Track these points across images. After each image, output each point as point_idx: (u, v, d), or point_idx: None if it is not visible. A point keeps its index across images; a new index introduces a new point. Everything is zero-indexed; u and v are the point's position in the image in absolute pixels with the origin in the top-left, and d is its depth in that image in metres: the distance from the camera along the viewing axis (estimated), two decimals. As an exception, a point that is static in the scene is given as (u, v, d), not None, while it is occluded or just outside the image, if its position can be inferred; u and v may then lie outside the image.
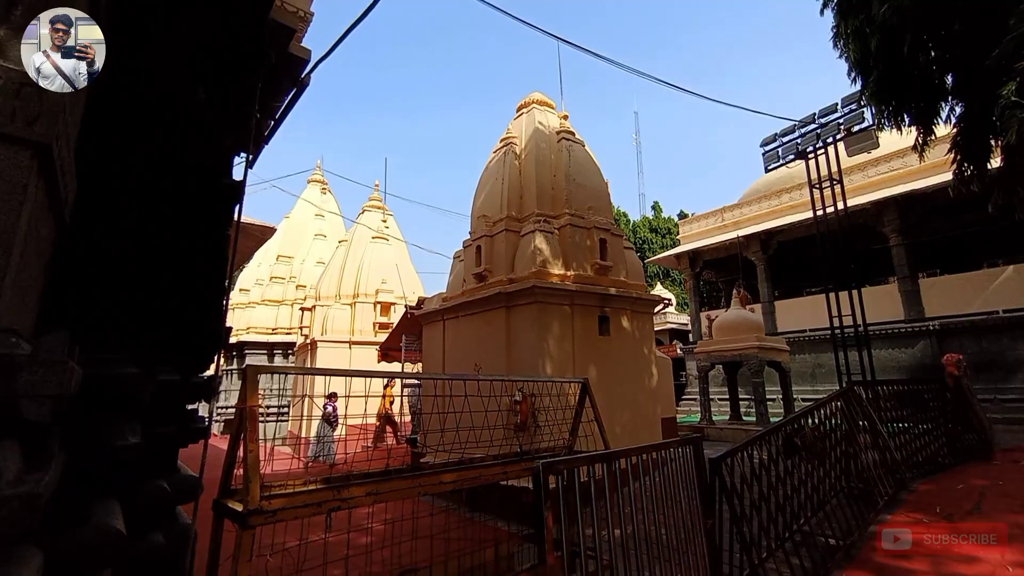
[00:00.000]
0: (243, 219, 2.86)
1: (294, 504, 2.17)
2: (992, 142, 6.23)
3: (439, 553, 2.76)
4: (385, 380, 11.28)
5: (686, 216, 37.08)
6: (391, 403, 11.69)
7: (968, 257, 13.09)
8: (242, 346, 18.65)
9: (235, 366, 18.94)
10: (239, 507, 2.04)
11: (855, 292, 9.10)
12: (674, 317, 25.94)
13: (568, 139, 8.85)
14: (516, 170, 8.62)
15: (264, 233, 9.49)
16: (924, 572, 3.55)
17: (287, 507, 2.14)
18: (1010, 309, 11.33)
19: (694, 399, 15.59)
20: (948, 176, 7.54)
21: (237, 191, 2.81)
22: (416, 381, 10.83)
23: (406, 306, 11.70)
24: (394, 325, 12.71)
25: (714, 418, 12.22)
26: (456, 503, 5.25)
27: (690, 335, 19.85)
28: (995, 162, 6.34)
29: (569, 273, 7.55)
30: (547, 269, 7.38)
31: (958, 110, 6.67)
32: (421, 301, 10.50)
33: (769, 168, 12.40)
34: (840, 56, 7.95)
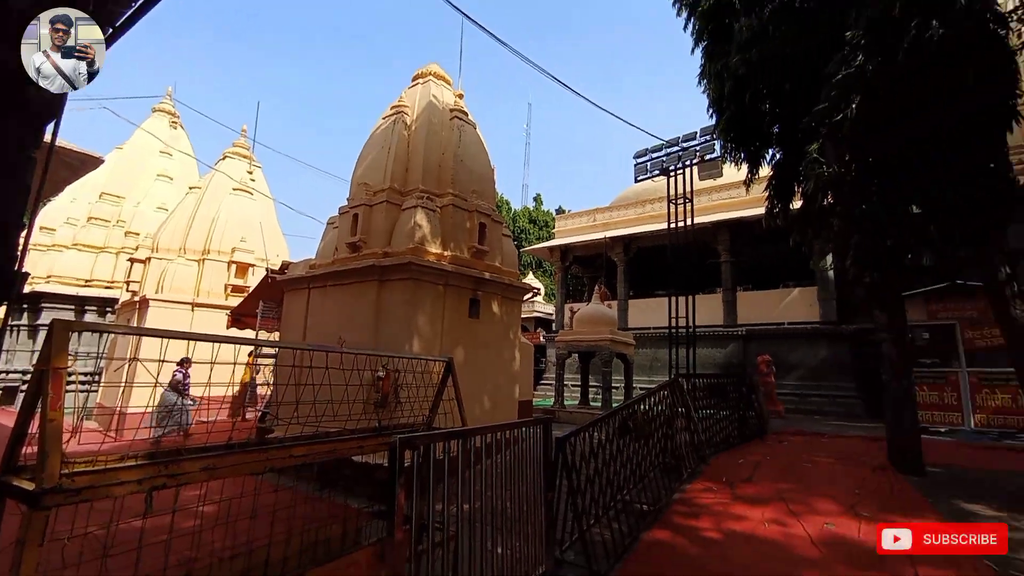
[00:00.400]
0: (58, 142, 2.38)
1: (106, 482, 1.91)
2: (796, 188, 7.69)
3: (281, 531, 2.64)
4: (251, 348, 10.25)
5: (563, 212, 39.29)
6: (256, 373, 10.68)
7: (772, 277, 16.04)
8: (38, 298, 15.25)
9: (25, 321, 15.45)
10: (30, 486, 1.74)
11: (691, 298, 10.62)
12: (541, 306, 27.51)
13: (461, 118, 8.79)
14: (404, 141, 8.33)
15: (85, 163, 7.83)
16: (706, 528, 4.38)
17: (96, 485, 1.87)
18: (793, 322, 14.23)
19: (550, 384, 16.76)
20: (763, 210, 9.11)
21: (52, 106, 2.32)
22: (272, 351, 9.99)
23: (268, 269, 10.65)
24: (251, 289, 11.50)
25: (566, 402, 13.33)
26: (306, 482, 5.03)
27: (553, 324, 21.26)
28: (796, 204, 7.83)
29: (446, 253, 7.58)
30: (425, 247, 7.31)
31: (778, 156, 8.08)
32: (286, 266, 9.64)
33: (638, 179, 13.75)
34: (703, 92, 9.09)
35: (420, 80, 9.19)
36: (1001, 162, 5.82)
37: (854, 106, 5.49)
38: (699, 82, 9.16)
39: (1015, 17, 5.76)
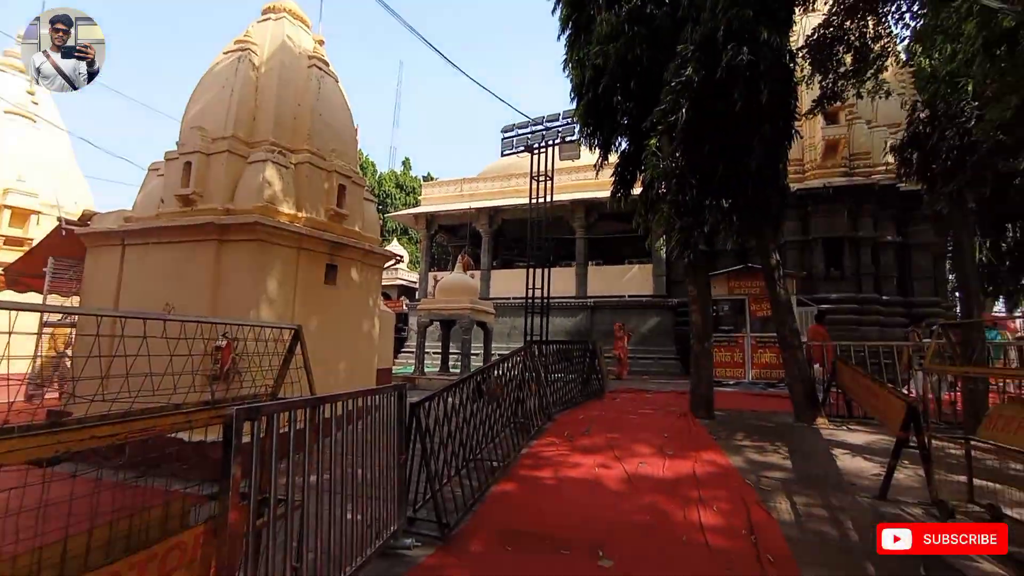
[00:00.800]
0: None
1: None
2: (638, 176, 8.66)
3: (82, 524, 2.31)
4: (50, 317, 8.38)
5: (431, 179, 38.51)
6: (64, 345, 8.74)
7: (618, 254, 17.97)
8: None
9: None
10: None
11: (547, 270, 11.41)
12: (405, 274, 27.01)
13: (321, 68, 8.03)
14: (252, 85, 7.35)
15: None
16: (547, 477, 4.93)
17: None
18: (633, 295, 16.22)
19: (412, 352, 16.72)
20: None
21: None
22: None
23: (61, 219, 8.67)
24: (35, 243, 9.26)
25: (426, 370, 13.48)
26: (122, 469, 4.37)
27: (417, 292, 21.09)
28: (638, 190, 8.83)
29: (300, 215, 7.01)
30: (275, 206, 6.66)
31: (625, 146, 8.97)
32: (89, 216, 7.95)
33: (504, 153, 14.09)
34: (567, 77, 9.59)
35: (272, 15, 8.12)
36: (782, 172, 7.27)
37: (683, 111, 6.34)
38: (563, 67, 9.65)
39: (801, 54, 7.14)
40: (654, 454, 5.48)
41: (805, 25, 10.53)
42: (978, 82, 6.19)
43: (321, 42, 8.59)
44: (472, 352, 12.82)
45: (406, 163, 42.35)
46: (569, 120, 12.72)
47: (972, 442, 3.95)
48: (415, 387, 12.00)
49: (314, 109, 7.63)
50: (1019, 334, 9.78)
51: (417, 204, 24.92)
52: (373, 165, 40.11)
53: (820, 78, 8.02)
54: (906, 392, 5.82)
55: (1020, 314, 13.93)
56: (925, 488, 4.18)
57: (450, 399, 4.56)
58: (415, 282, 25.66)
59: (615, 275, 17.26)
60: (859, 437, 6.17)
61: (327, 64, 8.24)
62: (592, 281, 17.04)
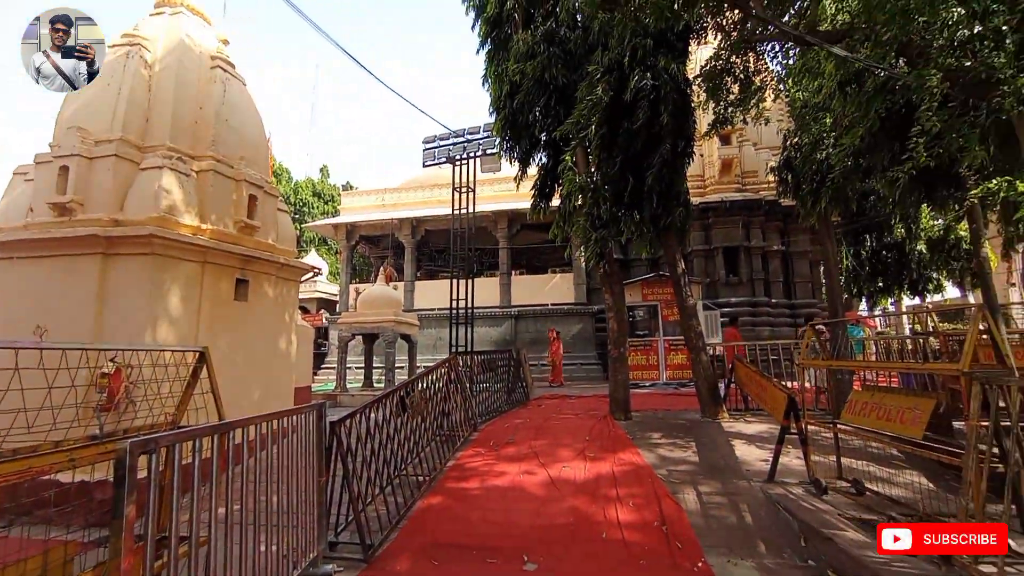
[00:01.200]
0: None
1: None
2: (556, 189, 9.05)
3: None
4: None
5: (351, 188, 37.26)
6: None
7: (541, 263, 18.49)
8: None
9: None
10: None
11: (471, 281, 11.49)
12: (325, 286, 25.80)
13: (226, 70, 7.55)
14: (144, 84, 6.74)
15: None
16: (473, 487, 4.97)
17: None
18: (555, 303, 16.76)
19: (333, 368, 16.00)
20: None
21: None
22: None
23: None
24: None
25: (349, 386, 12.96)
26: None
27: (338, 305, 20.24)
28: (556, 202, 9.20)
29: (205, 227, 6.51)
30: (175, 217, 6.14)
31: (543, 159, 9.34)
32: (-70, 226, 6.79)
33: (426, 164, 14.05)
34: (487, 91, 9.81)
35: (167, 8, 7.51)
36: (684, 187, 7.95)
37: (593, 127, 6.77)
38: (483, 81, 9.87)
39: (697, 82, 7.88)
40: (576, 457, 5.71)
41: (700, 57, 11.62)
42: (836, 114, 7.22)
43: (226, 42, 8.07)
44: (396, 366, 12.53)
45: (324, 170, 40.56)
46: (489, 133, 12.99)
47: (838, 426, 4.58)
48: (337, 404, 11.49)
49: (219, 114, 7.15)
50: (878, 330, 11.42)
51: (337, 213, 23.98)
52: (288, 172, 37.97)
53: (714, 104, 8.91)
54: (789, 385, 6.57)
55: (879, 312, 16.18)
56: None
57: (373, 415, 4.47)
58: (336, 294, 24.59)
59: (538, 284, 17.74)
60: (753, 428, 6.86)
61: (232, 66, 7.76)
62: (516, 290, 17.37)
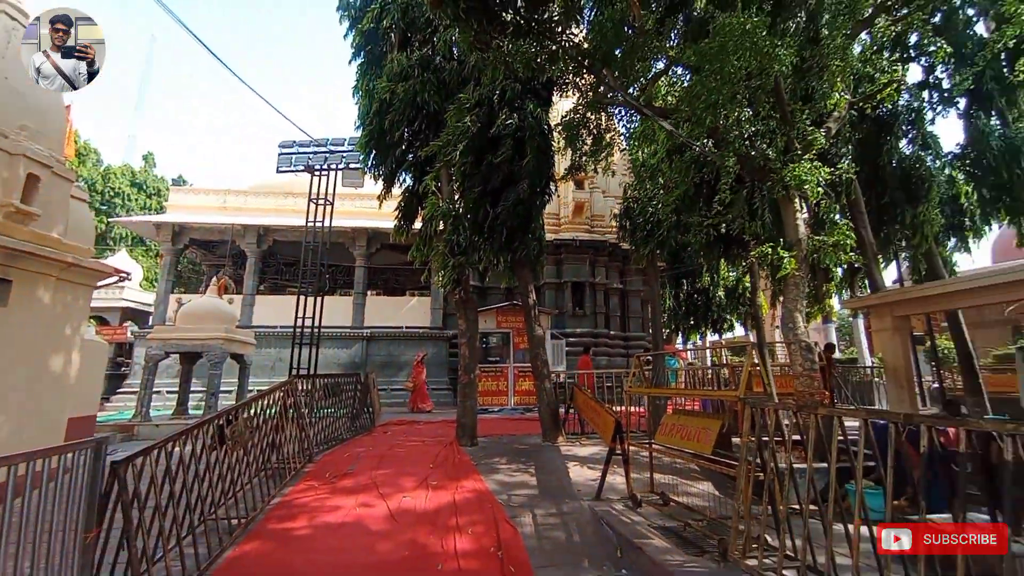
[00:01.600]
0: None
1: None
2: (419, 211, 9.00)
3: None
4: None
5: (184, 184, 32.45)
6: None
7: (399, 285, 18.02)
8: None
9: None
10: None
11: (320, 298, 10.67)
12: (136, 294, 21.65)
13: (14, 17, 6.08)
14: None
15: None
16: (300, 527, 4.49)
17: None
18: (411, 326, 16.39)
19: (136, 392, 13.36)
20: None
21: None
22: None
23: None
24: None
25: (153, 414, 10.90)
26: None
27: (151, 317, 17.09)
28: (419, 225, 9.13)
29: (-50, 206, 5.01)
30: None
31: (408, 181, 9.25)
32: None
33: (280, 169, 12.85)
34: (355, 103, 9.46)
35: (-76, -76, 5.81)
36: (540, 224, 8.53)
37: (458, 154, 6.97)
38: (353, 93, 9.50)
39: (558, 130, 8.62)
40: (418, 486, 5.54)
41: (562, 108, 12.81)
42: (665, 175, 8.53)
43: (16, -16, 6.50)
44: (223, 390, 10.93)
45: (148, 158, 34.61)
46: (354, 147, 12.46)
47: (653, 445, 5.20)
48: (133, 437, 9.55)
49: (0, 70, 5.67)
50: (688, 361, 13.45)
51: (163, 210, 20.52)
52: (96, 153, 31.64)
53: (571, 152, 9.83)
54: (618, 410, 7.32)
55: (691, 346, 19.02)
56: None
57: (178, 450, 3.79)
58: (150, 304, 20.78)
59: (395, 306, 17.21)
60: (587, 450, 7.44)
61: (25, 15, 6.27)
62: (371, 311, 16.61)
